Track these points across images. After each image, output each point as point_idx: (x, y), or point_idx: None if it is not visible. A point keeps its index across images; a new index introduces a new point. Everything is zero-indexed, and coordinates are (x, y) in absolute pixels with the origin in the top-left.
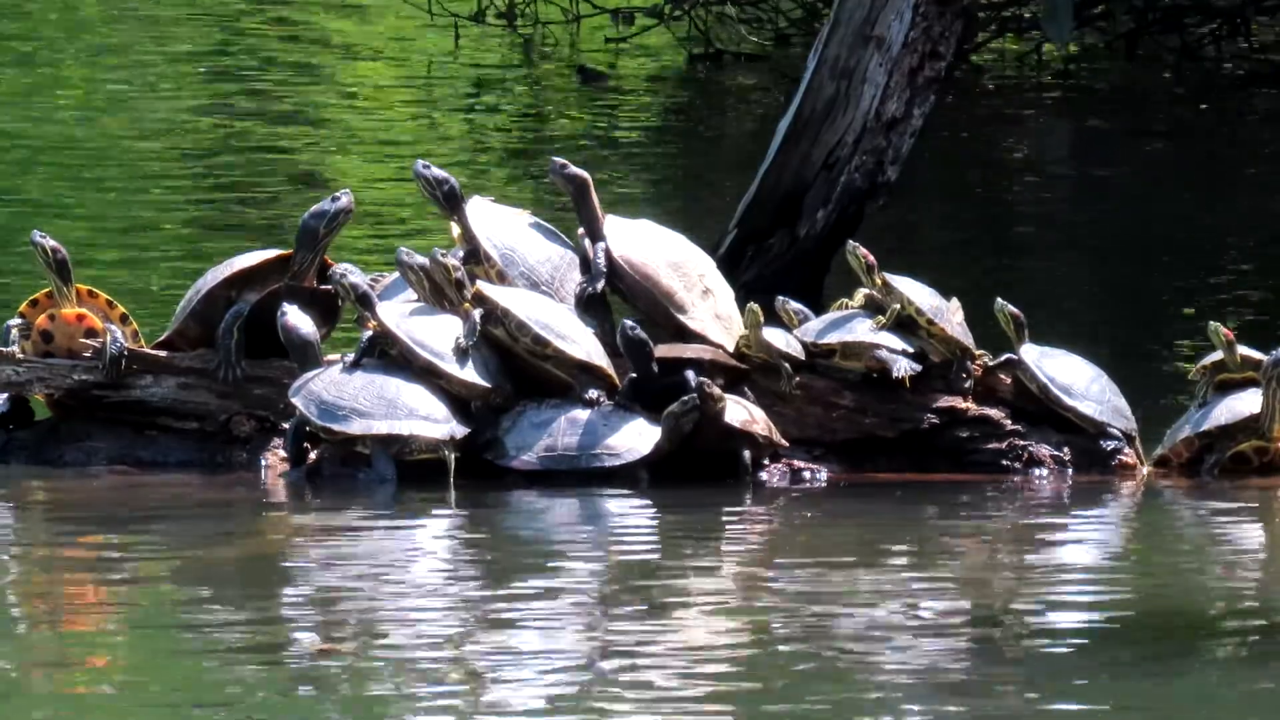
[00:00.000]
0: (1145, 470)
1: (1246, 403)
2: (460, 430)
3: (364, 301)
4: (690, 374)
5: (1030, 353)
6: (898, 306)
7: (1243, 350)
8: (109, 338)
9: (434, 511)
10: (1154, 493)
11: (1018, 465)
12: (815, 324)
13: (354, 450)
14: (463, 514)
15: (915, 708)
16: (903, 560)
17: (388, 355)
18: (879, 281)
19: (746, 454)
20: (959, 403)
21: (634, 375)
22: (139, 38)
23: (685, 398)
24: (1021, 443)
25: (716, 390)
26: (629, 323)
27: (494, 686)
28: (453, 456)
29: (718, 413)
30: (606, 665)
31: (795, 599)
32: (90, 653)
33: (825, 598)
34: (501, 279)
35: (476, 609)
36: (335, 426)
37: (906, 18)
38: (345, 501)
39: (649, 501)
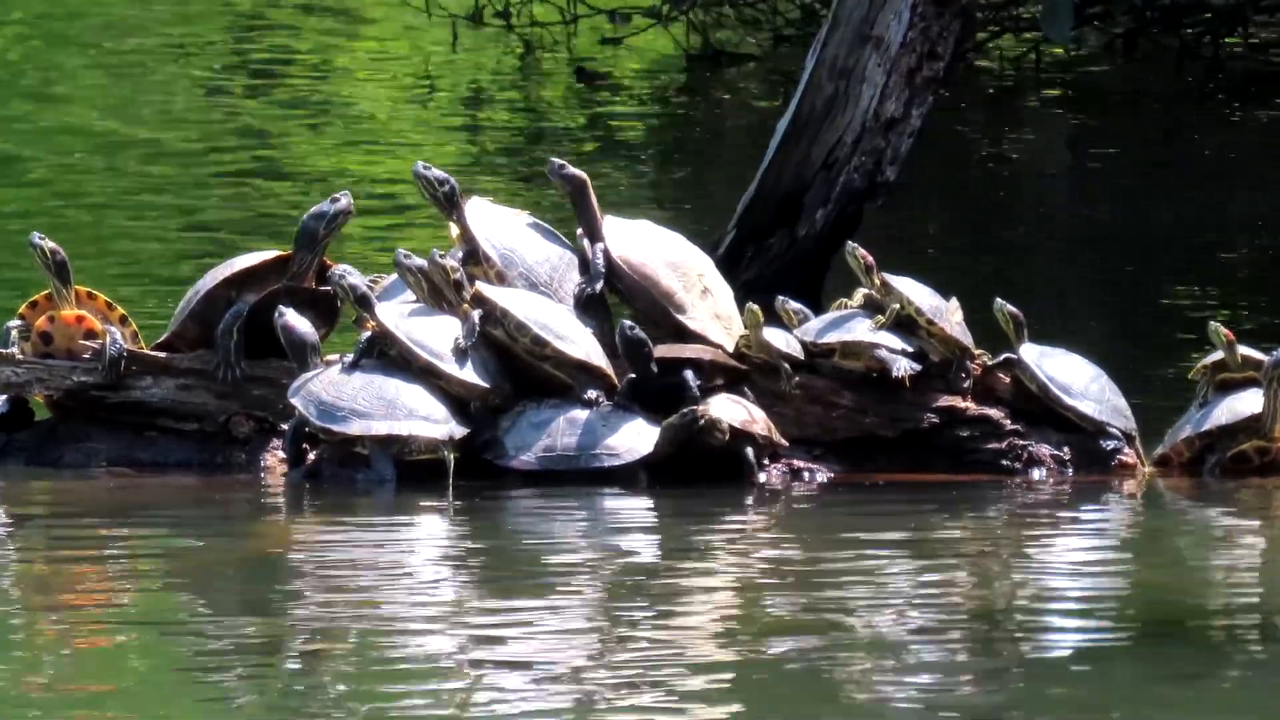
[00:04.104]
0: (1145, 470)
1: (1247, 402)
2: (459, 430)
3: (363, 302)
4: (694, 383)
5: (1030, 352)
6: (897, 306)
7: (1243, 350)
8: (108, 339)
9: (433, 512)
10: (1154, 492)
11: (1017, 465)
12: (815, 324)
13: (353, 451)
14: (462, 514)
15: (915, 708)
16: (902, 560)
17: (387, 356)
18: (878, 281)
19: (750, 452)
20: (959, 402)
21: (633, 375)
22: (134, 37)
23: (685, 412)
24: (1021, 442)
25: (724, 424)
26: (628, 323)
27: (493, 686)
28: (452, 457)
29: (721, 441)
30: (606, 665)
31: (795, 598)
32: (89, 654)
33: (825, 597)
34: (500, 280)
35: (475, 609)
36: (334, 427)
37: (905, 18)
38: (344, 502)
39: (648, 501)
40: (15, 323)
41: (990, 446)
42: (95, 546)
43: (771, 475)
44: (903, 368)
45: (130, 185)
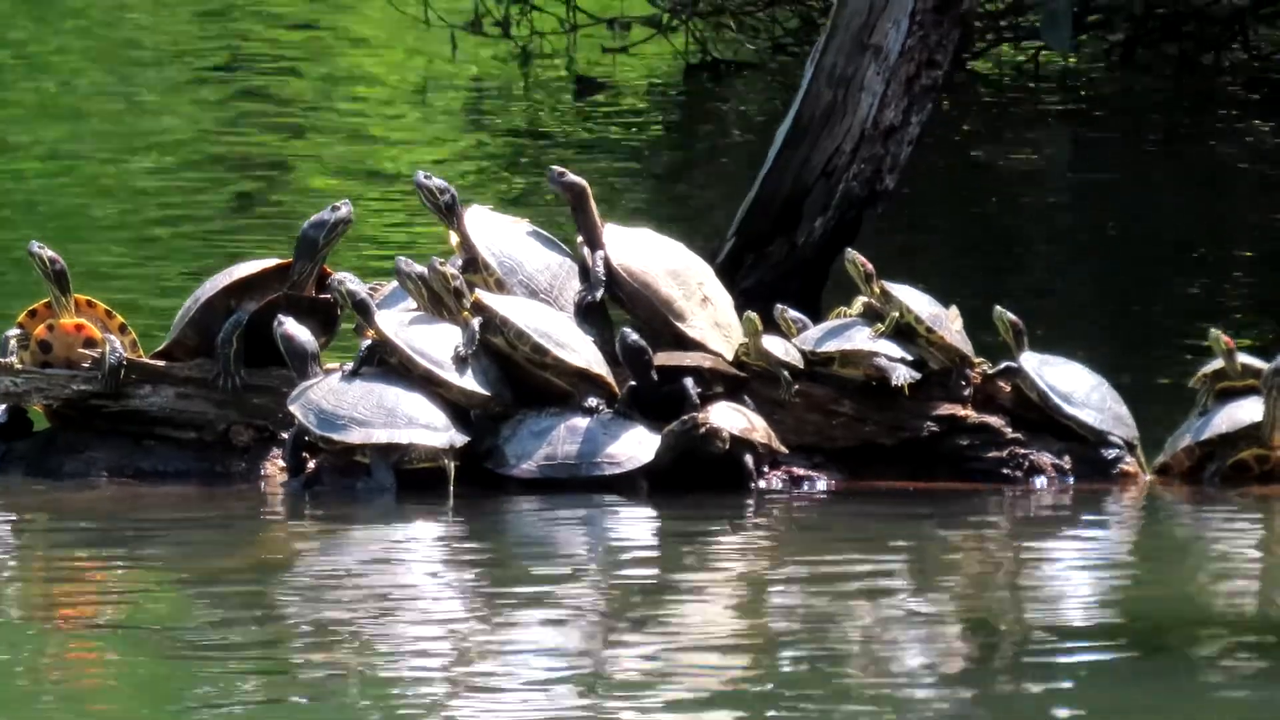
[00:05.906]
0: (1146, 478)
1: (1247, 411)
2: (460, 439)
3: (362, 310)
4: (694, 390)
5: (1030, 360)
6: (896, 314)
7: (1243, 358)
8: (107, 347)
9: (433, 520)
10: (1155, 501)
11: (1018, 473)
12: (814, 332)
13: (353, 459)
14: (462, 523)
15: (915, 717)
16: (902, 569)
17: (386, 364)
18: (877, 289)
19: (749, 459)
20: (959, 410)
21: (633, 383)
22: (129, 48)
23: (684, 420)
24: (1022, 451)
25: (724, 432)
26: (628, 331)
27: (493, 696)
28: (452, 465)
29: (721, 450)
30: (607, 674)
31: (795, 606)
32: (88, 663)
33: (825, 605)
34: (500, 287)
35: (476, 618)
36: (334, 436)
37: (904, 26)
38: (344, 511)
39: (649, 509)
40: (14, 332)
41: (991, 455)
42: (94, 556)
43: (771, 483)
44: (902, 376)
45: (125, 190)
